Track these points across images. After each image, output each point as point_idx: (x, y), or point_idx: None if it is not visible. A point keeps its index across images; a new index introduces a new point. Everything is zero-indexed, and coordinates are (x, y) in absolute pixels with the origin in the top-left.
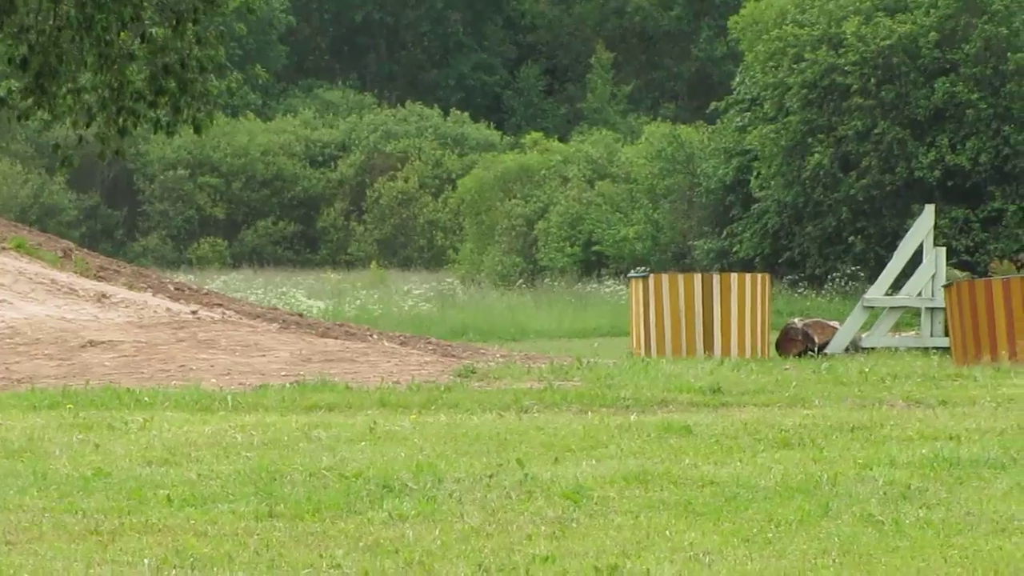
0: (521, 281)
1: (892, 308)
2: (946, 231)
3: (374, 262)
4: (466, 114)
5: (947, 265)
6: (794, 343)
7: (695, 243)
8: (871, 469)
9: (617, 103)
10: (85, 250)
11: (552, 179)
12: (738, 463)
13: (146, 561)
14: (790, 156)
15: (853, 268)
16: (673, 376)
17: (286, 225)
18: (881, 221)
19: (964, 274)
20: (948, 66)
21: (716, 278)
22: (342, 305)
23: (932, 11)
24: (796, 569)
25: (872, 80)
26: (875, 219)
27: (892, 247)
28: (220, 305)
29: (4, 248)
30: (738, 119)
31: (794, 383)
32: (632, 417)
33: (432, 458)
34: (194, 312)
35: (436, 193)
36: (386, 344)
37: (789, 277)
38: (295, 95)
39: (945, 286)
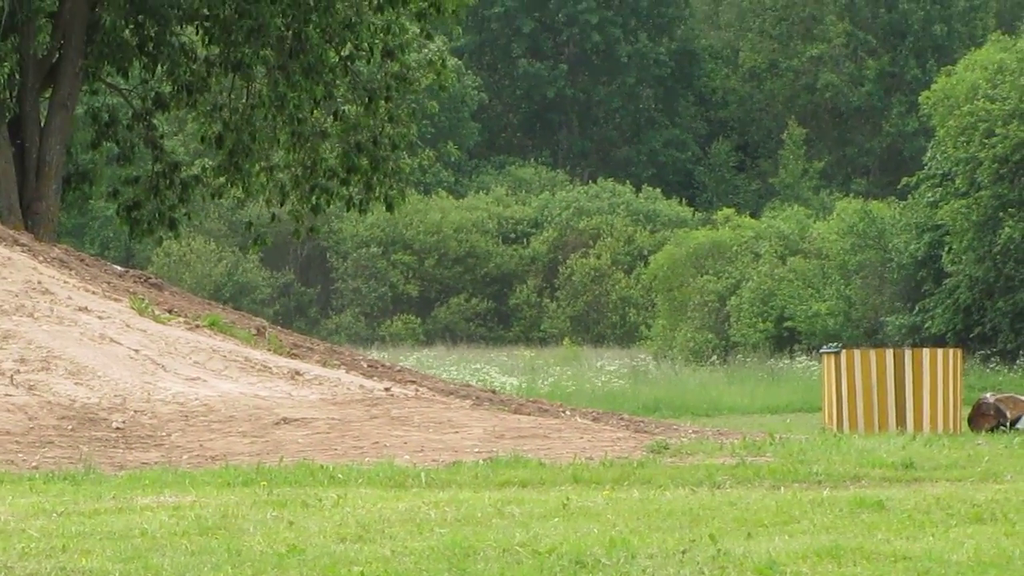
0: (714, 357)
1: None
2: None
3: (567, 339)
4: (658, 190)
5: None
6: (986, 418)
7: (887, 318)
8: None
9: (809, 179)
10: (279, 328)
11: (744, 255)
12: (931, 538)
13: None
14: (981, 231)
15: None
16: (865, 451)
17: (479, 302)
18: None
19: None
20: None
21: (908, 353)
22: (535, 382)
23: None
24: None
25: None
26: None
27: None
28: (413, 382)
29: (198, 326)
30: (929, 194)
31: (986, 458)
32: (825, 492)
33: (625, 534)
34: (387, 389)
35: (628, 269)
36: (579, 420)
37: (981, 352)
38: (487, 172)
39: None
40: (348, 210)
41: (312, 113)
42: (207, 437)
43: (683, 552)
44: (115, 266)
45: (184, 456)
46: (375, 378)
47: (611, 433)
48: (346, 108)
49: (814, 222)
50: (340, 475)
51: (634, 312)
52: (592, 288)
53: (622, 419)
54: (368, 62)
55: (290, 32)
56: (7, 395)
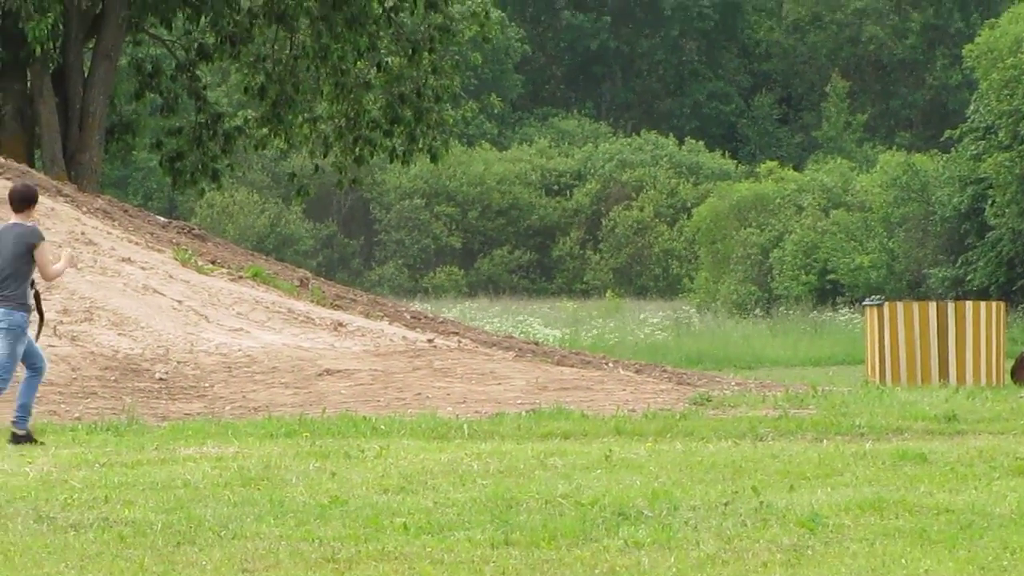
0: (757, 309)
1: None
2: None
3: (609, 291)
4: (701, 143)
5: None
6: None
7: (930, 271)
8: None
9: (852, 132)
10: (321, 279)
11: (787, 208)
12: (973, 491)
13: None
14: None
15: None
16: (908, 404)
17: (522, 254)
18: None
19: None
20: None
21: (951, 306)
22: (578, 333)
23: None
24: None
25: None
26: None
27: None
28: (456, 333)
29: (241, 277)
30: (973, 147)
31: None
32: (867, 445)
33: (668, 486)
34: (430, 340)
35: (671, 222)
36: (622, 372)
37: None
38: (530, 124)
39: None
40: (391, 161)
41: (355, 64)
42: (250, 388)
43: (726, 504)
44: (158, 217)
45: (227, 407)
46: (418, 329)
47: (654, 385)
48: (389, 59)
49: (857, 175)
50: (383, 426)
51: (677, 264)
52: (635, 240)
53: (665, 371)
54: (412, 13)
55: None
56: (50, 346)
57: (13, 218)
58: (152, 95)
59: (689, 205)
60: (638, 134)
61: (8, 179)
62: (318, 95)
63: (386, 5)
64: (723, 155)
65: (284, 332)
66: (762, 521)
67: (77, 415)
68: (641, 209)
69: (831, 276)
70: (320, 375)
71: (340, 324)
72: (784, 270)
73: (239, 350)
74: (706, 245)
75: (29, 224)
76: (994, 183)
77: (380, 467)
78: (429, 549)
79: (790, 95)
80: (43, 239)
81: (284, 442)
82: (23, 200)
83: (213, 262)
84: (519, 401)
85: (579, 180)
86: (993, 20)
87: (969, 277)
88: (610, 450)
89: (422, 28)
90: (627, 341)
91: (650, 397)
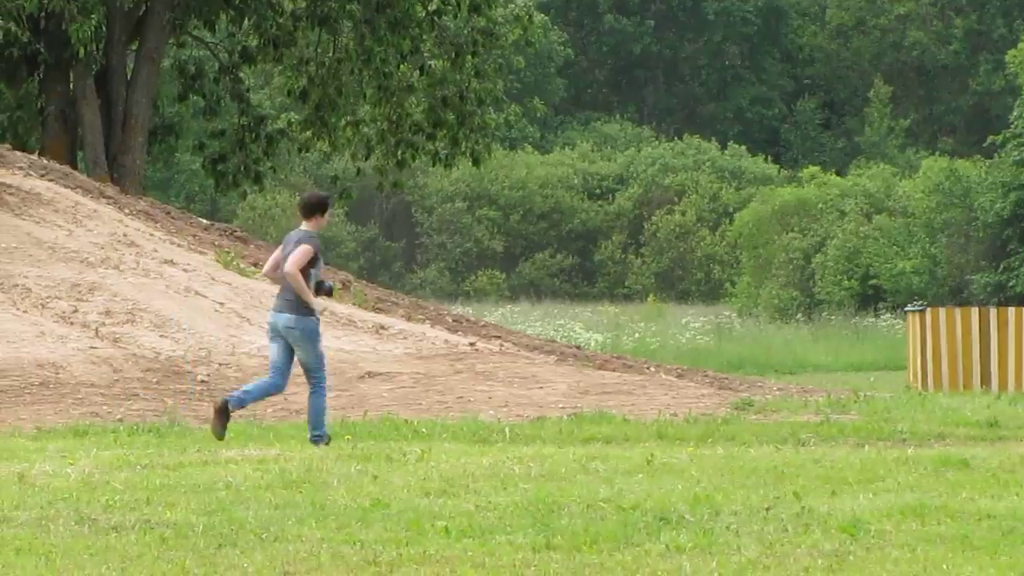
0: (799, 314)
1: None
2: None
3: (651, 295)
4: (743, 147)
5: None
6: None
7: (972, 277)
8: None
9: (895, 137)
10: (363, 282)
11: (829, 213)
12: (1015, 497)
13: None
14: None
15: None
16: (950, 410)
17: (564, 258)
18: None
19: None
20: None
21: (993, 312)
22: (620, 338)
23: None
24: None
25: None
26: None
27: None
28: (498, 337)
29: None
30: (1016, 153)
31: None
32: (909, 450)
33: (709, 490)
34: (472, 344)
35: (713, 226)
36: (663, 377)
37: None
38: (573, 128)
39: None
40: (433, 165)
41: (398, 67)
42: (292, 391)
43: (767, 509)
44: (201, 219)
45: (269, 410)
46: (460, 333)
47: (695, 390)
48: (432, 63)
49: (900, 180)
50: (424, 429)
51: (719, 269)
52: (677, 245)
53: (707, 376)
54: (455, 17)
55: None
56: (92, 347)
57: (303, 225)
58: (195, 97)
59: (731, 210)
60: (680, 138)
61: (51, 180)
62: (361, 98)
63: (429, 8)
64: (766, 160)
65: (326, 334)
66: (803, 526)
67: (119, 416)
68: (683, 214)
69: (873, 281)
70: (362, 378)
71: (382, 327)
72: (826, 275)
73: None
74: (748, 250)
75: (311, 231)
76: None
77: (421, 470)
78: (470, 553)
79: (833, 100)
80: (308, 244)
81: (326, 445)
82: (306, 207)
83: (255, 264)
84: (561, 405)
85: (621, 184)
86: None
87: (1011, 283)
88: (652, 454)
89: (465, 31)
90: (669, 346)
91: (692, 402)
